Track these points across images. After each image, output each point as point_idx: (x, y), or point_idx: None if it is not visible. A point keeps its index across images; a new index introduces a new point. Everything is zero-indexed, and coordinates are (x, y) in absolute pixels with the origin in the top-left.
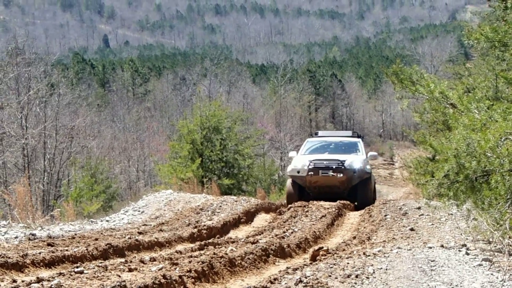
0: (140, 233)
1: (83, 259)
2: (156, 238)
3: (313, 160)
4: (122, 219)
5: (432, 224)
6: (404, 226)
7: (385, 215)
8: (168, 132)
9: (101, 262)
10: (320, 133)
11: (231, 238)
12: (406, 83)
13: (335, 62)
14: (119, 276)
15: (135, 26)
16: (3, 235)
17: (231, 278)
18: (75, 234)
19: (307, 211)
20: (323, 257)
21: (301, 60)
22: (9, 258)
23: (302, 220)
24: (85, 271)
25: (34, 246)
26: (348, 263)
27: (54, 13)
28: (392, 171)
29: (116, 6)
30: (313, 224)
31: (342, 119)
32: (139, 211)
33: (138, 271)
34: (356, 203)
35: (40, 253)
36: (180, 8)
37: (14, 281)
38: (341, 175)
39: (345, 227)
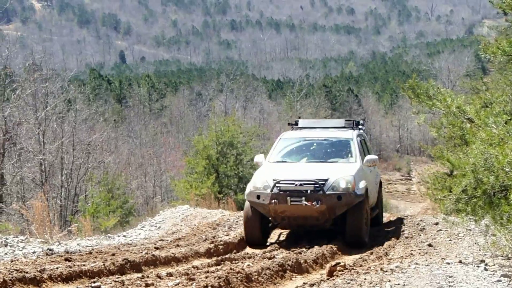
0: (157, 248)
1: (100, 274)
2: (173, 253)
3: (279, 181)
4: (139, 234)
5: (450, 240)
6: (422, 241)
7: (403, 231)
8: (184, 148)
9: (118, 277)
10: (302, 122)
11: (247, 253)
12: (422, 98)
13: (351, 77)
14: None
15: (151, 42)
16: (21, 250)
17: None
18: (92, 249)
19: None
20: (340, 272)
21: (317, 75)
22: (27, 273)
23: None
24: (102, 286)
25: (52, 261)
26: (365, 279)
27: (71, 30)
28: (409, 186)
29: (132, 22)
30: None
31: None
32: (156, 226)
33: (155, 286)
34: (346, 236)
35: (57, 268)
36: (196, 24)
37: None
38: (319, 204)
39: None
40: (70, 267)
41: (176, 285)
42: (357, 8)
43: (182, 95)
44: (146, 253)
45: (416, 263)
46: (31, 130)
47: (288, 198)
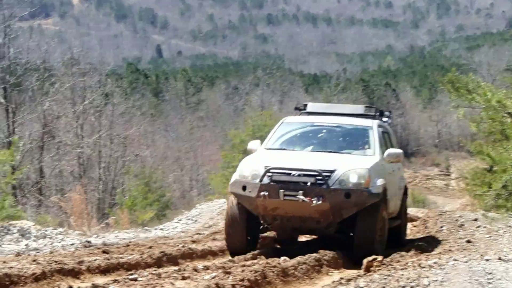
0: (193, 241)
1: (137, 266)
2: (209, 246)
3: (272, 169)
4: (176, 227)
5: (490, 236)
6: (460, 237)
7: (441, 227)
8: (221, 142)
9: (155, 270)
10: (311, 106)
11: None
12: (462, 92)
13: (389, 71)
14: (173, 284)
15: (188, 36)
16: (59, 242)
17: (285, 286)
18: (130, 242)
19: None
20: (377, 268)
21: (355, 70)
22: (66, 264)
23: None
24: (139, 279)
25: (90, 253)
26: (402, 275)
27: (109, 24)
28: (448, 182)
29: (169, 16)
30: None
31: (397, 129)
32: (192, 219)
33: (191, 279)
34: (354, 248)
35: (95, 260)
36: (232, 18)
37: (70, 287)
38: (321, 200)
39: None
40: (108, 259)
41: (212, 278)
42: (395, 1)
43: (219, 89)
44: (183, 246)
45: (455, 260)
46: (70, 124)
47: (281, 191)
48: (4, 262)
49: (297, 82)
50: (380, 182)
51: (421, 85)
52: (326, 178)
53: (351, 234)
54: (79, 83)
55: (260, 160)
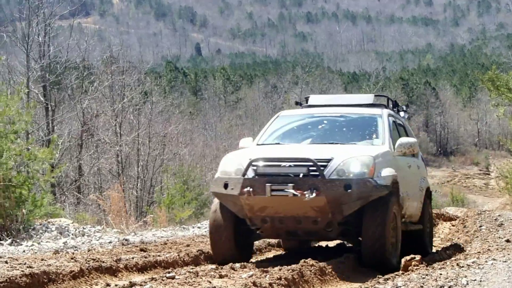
0: None
1: (174, 264)
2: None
3: (256, 160)
4: None
5: None
6: (499, 237)
7: (480, 226)
8: None
9: (192, 268)
10: (313, 98)
11: (322, 246)
12: (502, 90)
13: (428, 69)
14: (210, 282)
15: (227, 34)
16: (97, 240)
17: (321, 287)
18: (167, 240)
19: None
20: (415, 267)
21: (394, 68)
22: (103, 262)
23: None
24: (176, 277)
25: (127, 251)
26: (441, 274)
27: (148, 22)
28: (487, 181)
29: (208, 14)
30: None
31: (436, 128)
32: None
33: (229, 278)
34: (363, 254)
35: (133, 258)
36: (272, 16)
37: (108, 285)
38: (315, 194)
39: (438, 237)
40: (145, 257)
41: (249, 276)
42: None
43: (257, 88)
44: None
45: (494, 259)
46: (108, 122)
47: (268, 185)
48: (42, 259)
49: (336, 80)
50: (388, 172)
51: (461, 83)
52: (322, 168)
53: (360, 238)
54: (118, 81)
55: (246, 154)
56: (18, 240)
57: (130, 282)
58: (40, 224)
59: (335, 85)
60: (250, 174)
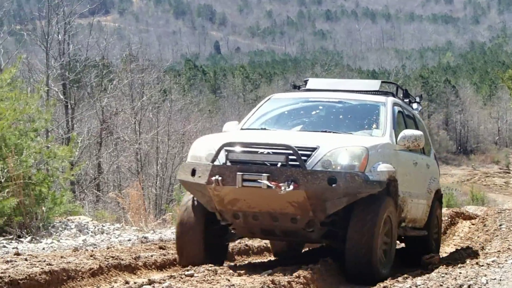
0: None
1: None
2: (265, 243)
3: (229, 144)
4: None
5: None
6: None
7: (500, 225)
8: None
9: (211, 266)
10: (313, 82)
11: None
12: None
13: (448, 67)
14: (229, 280)
15: (246, 32)
16: (116, 238)
17: (340, 285)
18: None
19: None
20: (434, 266)
21: (414, 66)
22: (122, 260)
23: None
24: (195, 275)
25: (146, 249)
26: (460, 273)
27: (167, 21)
28: (508, 179)
29: (227, 13)
30: None
31: (456, 126)
32: None
33: (247, 276)
34: (346, 261)
35: (152, 255)
36: (291, 14)
37: (127, 282)
38: (292, 187)
39: (458, 236)
40: (164, 255)
41: (269, 275)
42: None
43: (277, 86)
44: (239, 243)
45: None
46: (127, 120)
47: (239, 174)
48: (62, 257)
49: (355, 78)
50: (384, 167)
51: (481, 81)
52: (305, 157)
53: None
54: (138, 79)
55: (222, 138)
56: (37, 238)
57: (149, 279)
58: (60, 222)
59: None
60: (220, 160)
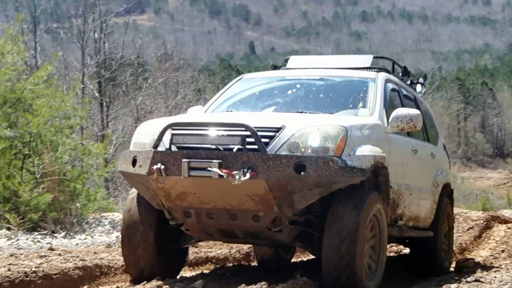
0: None
1: (225, 261)
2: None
3: (174, 126)
4: None
5: None
6: None
7: None
8: None
9: (242, 265)
10: (294, 60)
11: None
12: None
13: (486, 70)
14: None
15: (281, 32)
16: None
17: None
18: None
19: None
20: (469, 269)
21: (450, 68)
22: None
23: None
24: (227, 274)
25: None
26: (495, 277)
27: (202, 20)
28: None
29: (262, 13)
30: (460, 236)
31: (493, 129)
32: None
33: (280, 275)
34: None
35: None
36: (326, 15)
37: (158, 279)
38: (249, 175)
39: (493, 240)
40: (197, 253)
41: (300, 275)
42: None
43: None
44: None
45: None
46: None
47: (185, 161)
48: (95, 253)
49: None
50: (367, 151)
51: None
52: (266, 139)
53: None
54: (172, 78)
55: (170, 120)
56: (71, 233)
57: (181, 277)
58: (93, 218)
59: None
60: (164, 144)
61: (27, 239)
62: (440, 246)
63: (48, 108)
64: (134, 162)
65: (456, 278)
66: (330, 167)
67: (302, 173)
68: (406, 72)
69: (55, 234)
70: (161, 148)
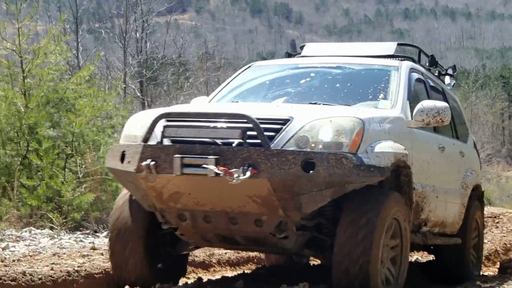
0: None
1: (267, 260)
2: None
3: (167, 116)
4: None
5: None
6: None
7: None
8: None
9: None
10: (311, 48)
11: None
12: None
13: None
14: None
15: (323, 31)
16: None
17: None
18: None
19: (497, 222)
20: None
21: (494, 66)
22: (196, 256)
23: (492, 232)
24: (268, 273)
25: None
26: None
27: (243, 19)
28: None
29: (304, 11)
30: (504, 236)
31: None
32: None
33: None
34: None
35: (226, 253)
36: (368, 13)
37: (200, 279)
38: (249, 173)
39: None
40: (238, 253)
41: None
42: None
43: None
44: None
45: None
46: None
47: (177, 157)
48: None
49: None
50: (387, 147)
51: None
52: (271, 132)
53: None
54: (213, 77)
55: (164, 110)
56: None
57: (222, 276)
58: None
59: None
60: (155, 138)
61: (69, 238)
62: (468, 254)
63: (91, 108)
64: (122, 158)
65: (500, 278)
66: (344, 165)
67: (311, 171)
68: (433, 62)
69: (97, 234)
70: (152, 142)
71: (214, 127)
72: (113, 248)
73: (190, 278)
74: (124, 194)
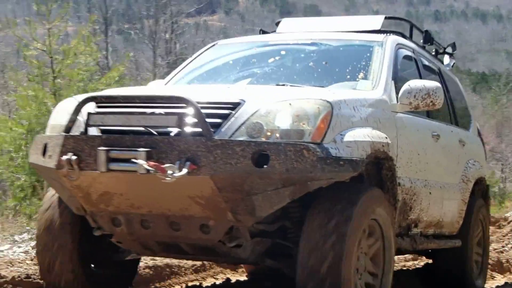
0: None
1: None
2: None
3: (94, 99)
4: None
5: None
6: None
7: None
8: None
9: None
10: (287, 23)
11: None
12: None
13: None
14: None
15: None
16: None
17: None
18: None
19: None
20: None
21: None
22: None
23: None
24: None
25: None
26: None
27: (273, 20)
28: None
29: (333, 13)
30: None
31: None
32: None
33: None
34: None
35: None
36: (398, 15)
37: (228, 280)
38: (187, 169)
39: None
40: None
41: None
42: None
43: None
44: None
45: None
46: None
47: (102, 150)
48: None
49: (464, 80)
50: (363, 136)
51: None
52: (217, 119)
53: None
54: None
55: (96, 93)
56: None
57: (250, 277)
58: None
59: (464, 85)
60: (78, 128)
61: None
62: (470, 258)
63: None
64: (44, 151)
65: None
66: (305, 157)
67: (265, 166)
68: (428, 38)
69: None
70: (75, 132)
71: (147, 113)
72: (39, 253)
73: (219, 279)
74: (51, 193)
